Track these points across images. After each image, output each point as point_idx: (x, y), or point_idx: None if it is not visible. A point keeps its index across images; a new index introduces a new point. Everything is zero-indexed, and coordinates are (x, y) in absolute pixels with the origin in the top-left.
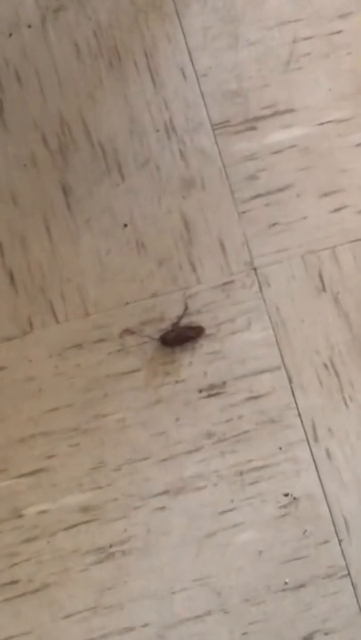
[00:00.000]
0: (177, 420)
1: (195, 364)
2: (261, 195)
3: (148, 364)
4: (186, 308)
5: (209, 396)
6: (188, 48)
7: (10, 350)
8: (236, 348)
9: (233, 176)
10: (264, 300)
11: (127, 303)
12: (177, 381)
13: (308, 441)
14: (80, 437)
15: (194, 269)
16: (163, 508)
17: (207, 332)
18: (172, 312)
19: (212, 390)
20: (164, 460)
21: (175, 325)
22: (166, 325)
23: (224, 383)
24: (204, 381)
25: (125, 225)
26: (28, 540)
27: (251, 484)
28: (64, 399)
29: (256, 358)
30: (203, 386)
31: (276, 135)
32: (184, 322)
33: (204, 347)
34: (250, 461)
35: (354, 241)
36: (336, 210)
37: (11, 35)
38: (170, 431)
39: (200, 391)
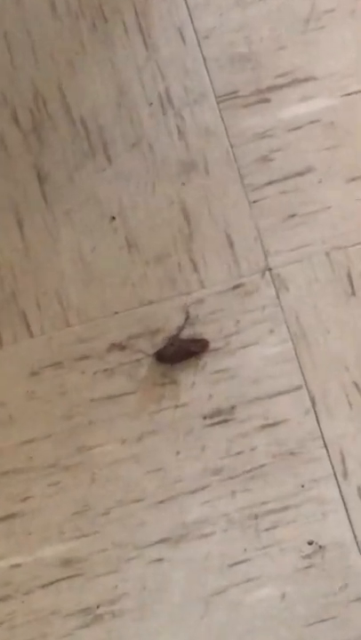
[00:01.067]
0: (177, 453)
1: (198, 385)
2: (277, 180)
3: (141, 385)
4: (187, 318)
5: (215, 423)
6: (186, 4)
7: None
8: (248, 365)
9: (242, 158)
10: (281, 308)
11: (116, 312)
12: (177, 406)
13: (335, 477)
14: (60, 475)
15: (196, 270)
16: (161, 560)
17: (213, 346)
18: (171, 322)
19: (219, 417)
20: (161, 501)
21: (174, 338)
22: (163, 339)
23: (233, 408)
24: (209, 406)
25: (113, 217)
26: None
27: (267, 529)
28: (40, 429)
29: (272, 377)
30: (208, 411)
31: (294, 108)
32: (185, 334)
33: (209, 364)
34: (266, 502)
35: None
36: None
37: None
38: (169, 467)
39: (205, 418)
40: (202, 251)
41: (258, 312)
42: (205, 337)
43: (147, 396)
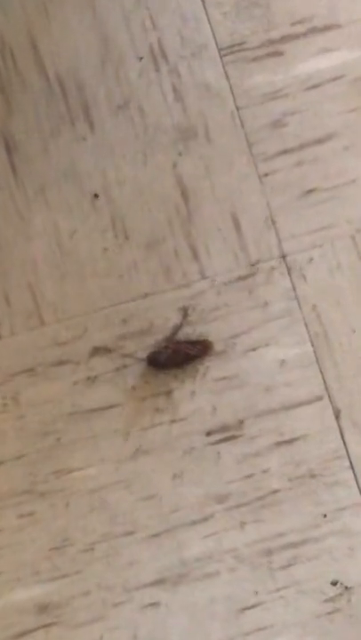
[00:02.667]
0: (174, 476)
1: (199, 396)
2: (292, 149)
3: (130, 396)
4: (185, 315)
5: (220, 441)
6: None
7: None
8: (259, 370)
9: (251, 122)
10: (298, 302)
11: (100, 309)
12: (173, 421)
13: None
14: (35, 504)
15: (196, 258)
16: (155, 605)
17: (216, 348)
18: (166, 320)
19: (225, 433)
20: (155, 534)
21: (170, 340)
22: (157, 340)
23: (242, 422)
24: (212, 420)
25: (96, 195)
26: None
27: (283, 568)
28: (11, 448)
29: (288, 385)
30: (211, 427)
31: (312, 63)
32: (183, 334)
33: (212, 370)
34: (281, 535)
35: None
36: None
37: None
38: (164, 493)
39: (207, 434)
40: (203, 235)
41: (270, 307)
42: (207, 338)
43: (137, 408)
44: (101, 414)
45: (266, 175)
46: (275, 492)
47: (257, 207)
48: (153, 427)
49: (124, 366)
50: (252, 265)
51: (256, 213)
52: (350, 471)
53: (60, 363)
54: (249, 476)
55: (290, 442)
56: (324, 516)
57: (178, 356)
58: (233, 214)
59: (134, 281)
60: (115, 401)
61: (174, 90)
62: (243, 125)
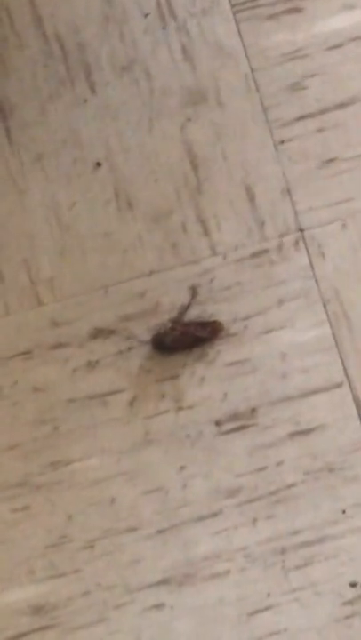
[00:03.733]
0: (181, 468)
1: (208, 382)
2: (311, 114)
3: (134, 381)
4: (194, 294)
5: (231, 430)
6: None
7: None
8: (274, 355)
9: (266, 85)
10: (316, 281)
11: (102, 287)
12: (180, 408)
13: None
14: (30, 498)
15: (206, 233)
16: (160, 607)
17: (227, 330)
18: (173, 300)
19: (236, 422)
20: (160, 531)
21: (177, 321)
22: (163, 321)
23: (254, 411)
24: (222, 408)
25: (98, 164)
26: None
27: (298, 568)
28: (4, 438)
29: (304, 371)
30: (221, 415)
31: (334, 20)
32: (191, 315)
33: (223, 354)
34: (296, 533)
35: None
36: None
37: None
38: (170, 486)
39: (217, 424)
40: (213, 207)
41: (286, 286)
42: (218, 319)
43: (141, 395)
44: (103, 401)
45: (282, 143)
46: (290, 486)
47: (272, 177)
48: (158, 415)
49: (128, 349)
50: (267, 240)
51: (271, 184)
52: None
53: (59, 345)
54: (262, 469)
55: (306, 432)
56: (343, 512)
57: (186, 338)
58: (246, 185)
59: (139, 257)
60: (117, 387)
61: (183, 50)
62: (257, 89)
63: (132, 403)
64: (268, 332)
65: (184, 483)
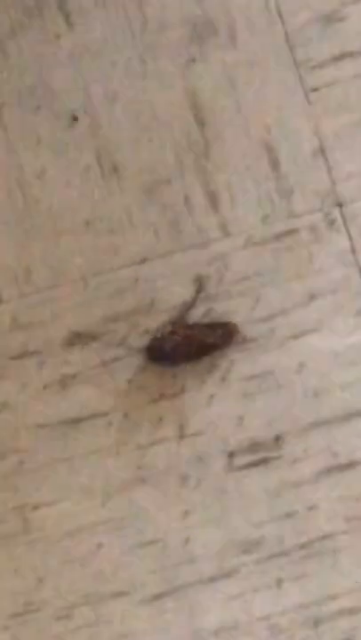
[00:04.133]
0: (184, 514)
1: (219, 402)
2: (350, 53)
3: (123, 402)
4: (200, 288)
5: (248, 465)
6: None
7: None
8: (304, 366)
9: (293, 16)
10: (360, 269)
11: (81, 278)
12: (182, 436)
13: None
14: None
15: (215, 208)
16: None
17: (244, 334)
18: (173, 295)
19: (255, 454)
20: (158, 595)
21: (179, 323)
22: (161, 323)
23: (279, 439)
24: (237, 436)
25: (75, 118)
26: None
27: None
28: None
29: (343, 387)
30: (235, 445)
31: None
32: (197, 315)
33: (239, 365)
34: (334, 598)
35: None
36: None
37: None
38: (170, 538)
39: (230, 455)
40: (225, 175)
41: (320, 277)
42: (231, 320)
43: (132, 419)
44: (81, 427)
45: (315, 90)
46: (325, 537)
47: (302, 135)
48: (154, 444)
49: (115, 360)
50: (295, 217)
51: (300, 144)
52: None
53: (24, 354)
54: (289, 515)
55: (346, 467)
56: None
57: (190, 345)
58: (268, 145)
59: (128, 239)
60: (100, 409)
61: None
62: (282, 20)
63: (119, 429)
64: (295, 336)
65: (188, 533)
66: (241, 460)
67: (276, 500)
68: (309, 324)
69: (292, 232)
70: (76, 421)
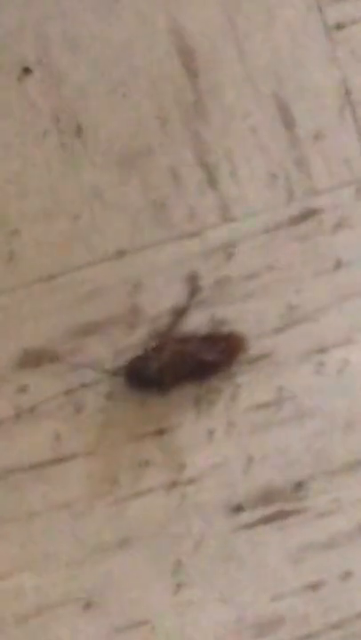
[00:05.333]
0: (179, 587)
1: (222, 438)
2: None
3: (96, 441)
4: (195, 289)
5: (260, 521)
6: None
7: None
8: (331, 390)
9: None
10: None
11: (39, 279)
12: (174, 484)
13: None
14: None
15: (213, 183)
16: None
17: (252, 349)
18: (159, 300)
19: (269, 506)
20: None
21: (167, 336)
22: (145, 335)
23: (300, 486)
24: (246, 483)
25: (27, 69)
26: None
27: None
28: None
29: None
30: (243, 495)
31: None
32: (191, 324)
33: (247, 389)
34: None
35: None
36: None
37: None
38: (161, 618)
39: (237, 509)
40: (224, 140)
41: (350, 273)
42: (236, 329)
43: (108, 463)
44: (42, 475)
45: (340, 27)
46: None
47: (323, 86)
48: (138, 496)
49: (84, 386)
50: (317, 195)
51: (322, 99)
52: None
53: None
54: (315, 587)
55: None
56: None
57: (182, 364)
58: (279, 101)
59: (99, 227)
60: (66, 450)
61: None
62: None
63: (92, 477)
64: (321, 350)
65: (183, 612)
66: (252, 515)
67: (299, 566)
68: (339, 333)
69: (313, 214)
70: (34, 468)
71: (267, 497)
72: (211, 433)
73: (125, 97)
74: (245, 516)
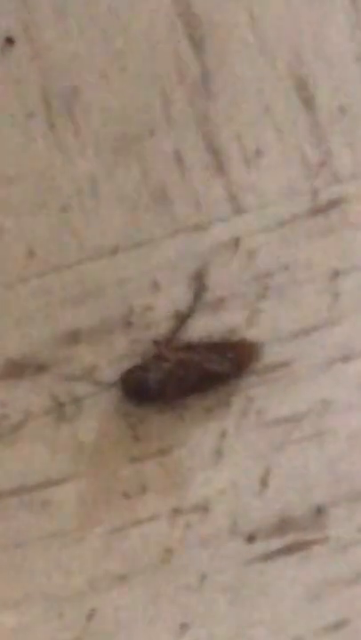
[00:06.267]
0: (184, 627)
1: (231, 458)
2: None
3: (88, 462)
4: (200, 290)
5: (277, 553)
6: None
7: None
8: (358, 406)
9: None
10: None
11: (20, 279)
12: (177, 511)
13: None
14: None
15: (220, 170)
16: None
17: (267, 358)
18: (160, 303)
19: (286, 535)
20: None
21: (168, 344)
22: (142, 343)
23: (321, 514)
24: (259, 511)
25: (9, 40)
26: None
27: None
28: None
29: None
30: (259, 523)
31: None
32: (197, 330)
33: (259, 403)
34: None
35: None
36: None
37: None
38: None
39: (250, 539)
40: (235, 118)
41: None
42: (247, 337)
43: (103, 488)
44: (26, 503)
45: None
46: None
47: (347, 57)
48: (136, 526)
49: (74, 401)
50: (341, 182)
51: (346, 73)
52: None
53: None
54: (338, 627)
55: None
56: None
57: (186, 375)
58: (298, 77)
59: (92, 220)
60: (54, 474)
61: None
62: None
63: (84, 504)
64: (346, 358)
65: None
66: (266, 546)
67: (320, 604)
68: None
69: (335, 204)
70: (16, 494)
71: (283, 525)
72: (219, 453)
73: (123, 72)
74: (259, 547)
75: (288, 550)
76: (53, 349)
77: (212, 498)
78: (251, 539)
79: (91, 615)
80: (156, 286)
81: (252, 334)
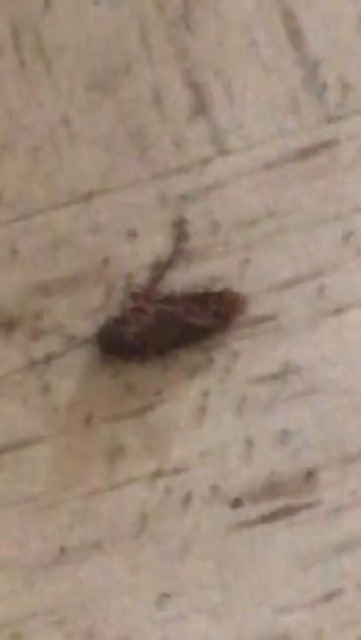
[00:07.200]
0: (164, 598)
1: (215, 418)
2: None
3: (62, 423)
4: (181, 239)
5: (265, 518)
6: None
7: None
8: (350, 361)
9: None
10: None
11: (2, 224)
12: (158, 475)
13: None
14: None
15: (202, 108)
16: None
17: (254, 311)
18: (138, 251)
19: (275, 499)
20: None
21: (148, 295)
22: (121, 295)
23: (311, 477)
24: (246, 473)
25: None
26: None
27: None
28: None
29: None
30: (245, 487)
31: None
32: (177, 281)
33: (244, 359)
34: None
35: None
36: None
37: None
38: (140, 637)
39: (235, 504)
40: (217, 55)
41: None
42: (231, 287)
43: (78, 449)
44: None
45: None
46: None
47: None
48: (113, 489)
49: (48, 357)
50: (332, 122)
51: (336, 5)
52: None
53: None
54: (330, 597)
55: None
56: None
57: (166, 329)
58: (284, 8)
59: (65, 163)
60: (27, 435)
61: None
62: None
63: (57, 464)
64: (336, 311)
65: (168, 628)
66: (253, 511)
67: (310, 572)
68: (358, 291)
69: (325, 146)
70: None
71: (270, 489)
72: (202, 411)
73: (97, 4)
74: (245, 513)
75: (276, 516)
76: (23, 303)
77: (194, 460)
78: (236, 504)
79: (68, 585)
80: (133, 234)
81: (236, 285)
